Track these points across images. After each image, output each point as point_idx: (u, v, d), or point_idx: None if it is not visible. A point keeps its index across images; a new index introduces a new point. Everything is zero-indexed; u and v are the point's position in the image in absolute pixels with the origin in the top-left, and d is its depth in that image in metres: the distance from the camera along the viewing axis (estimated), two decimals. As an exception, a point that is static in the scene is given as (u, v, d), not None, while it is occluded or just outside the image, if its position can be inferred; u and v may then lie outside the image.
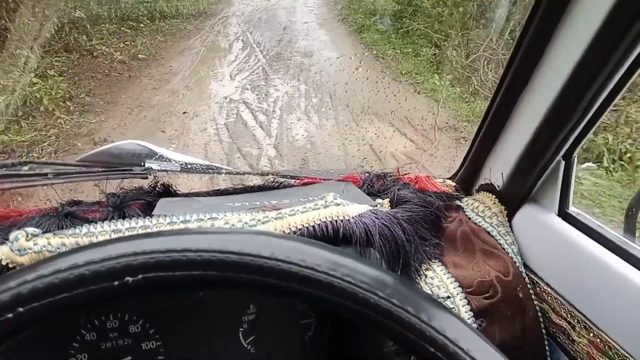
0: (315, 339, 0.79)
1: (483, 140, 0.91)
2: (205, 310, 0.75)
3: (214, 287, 0.42)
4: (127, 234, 0.66)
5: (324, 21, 9.59)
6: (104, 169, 0.87)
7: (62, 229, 0.77)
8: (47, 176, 0.85)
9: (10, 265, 0.62)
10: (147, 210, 0.83)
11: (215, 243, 0.41)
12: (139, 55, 6.84)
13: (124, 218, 0.79)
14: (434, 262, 0.79)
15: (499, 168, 0.89)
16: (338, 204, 0.72)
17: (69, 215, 0.81)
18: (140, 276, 0.40)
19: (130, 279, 0.40)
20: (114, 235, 0.65)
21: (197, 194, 0.91)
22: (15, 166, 0.87)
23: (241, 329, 0.76)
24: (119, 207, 0.82)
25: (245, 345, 0.77)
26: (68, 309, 0.40)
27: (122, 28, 7.56)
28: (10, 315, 0.39)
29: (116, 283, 0.40)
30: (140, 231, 0.66)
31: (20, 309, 0.39)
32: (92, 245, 0.42)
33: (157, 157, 0.88)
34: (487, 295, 0.79)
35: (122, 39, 7.26)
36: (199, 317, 0.75)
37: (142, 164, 0.90)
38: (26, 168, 0.89)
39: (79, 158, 0.90)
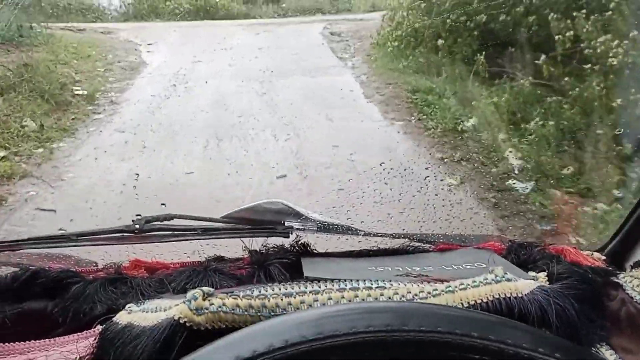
0: None
1: None
2: None
3: None
4: (297, 297, 0.65)
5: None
6: (249, 227, 0.89)
7: (211, 285, 0.78)
8: (197, 232, 0.88)
9: (187, 324, 0.62)
10: (289, 269, 0.83)
11: (490, 332, 0.39)
12: None
13: (268, 276, 0.80)
14: (602, 346, 0.73)
15: None
16: (509, 280, 0.69)
17: (216, 271, 0.82)
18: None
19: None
20: (285, 299, 0.65)
21: (334, 254, 0.90)
22: (166, 220, 0.90)
23: None
24: (264, 266, 0.83)
25: None
26: None
27: None
28: None
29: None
30: (311, 296, 0.65)
31: None
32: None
33: (302, 217, 0.88)
34: None
35: None
36: None
37: (283, 222, 0.91)
38: (174, 222, 0.92)
39: (224, 215, 0.92)
